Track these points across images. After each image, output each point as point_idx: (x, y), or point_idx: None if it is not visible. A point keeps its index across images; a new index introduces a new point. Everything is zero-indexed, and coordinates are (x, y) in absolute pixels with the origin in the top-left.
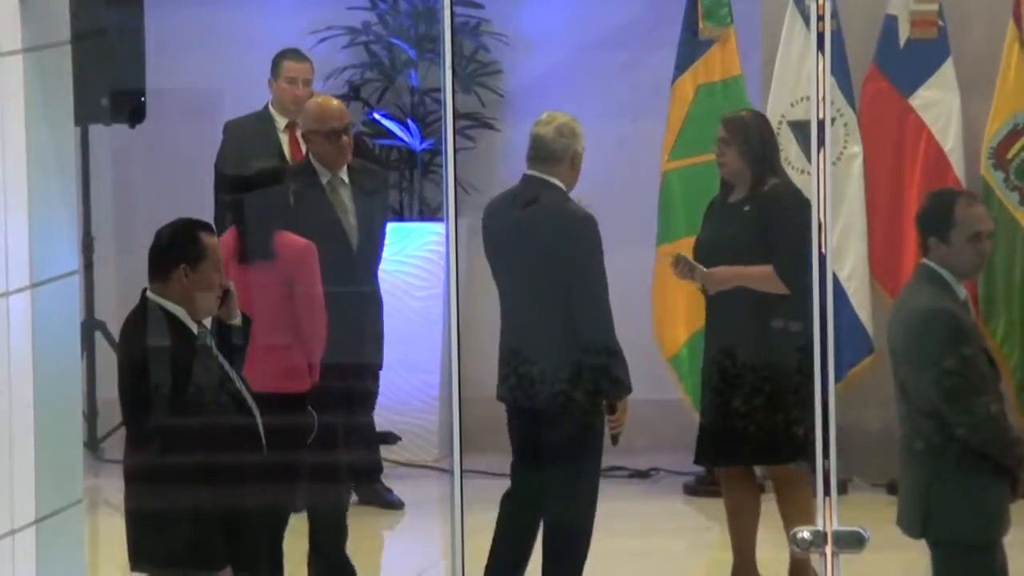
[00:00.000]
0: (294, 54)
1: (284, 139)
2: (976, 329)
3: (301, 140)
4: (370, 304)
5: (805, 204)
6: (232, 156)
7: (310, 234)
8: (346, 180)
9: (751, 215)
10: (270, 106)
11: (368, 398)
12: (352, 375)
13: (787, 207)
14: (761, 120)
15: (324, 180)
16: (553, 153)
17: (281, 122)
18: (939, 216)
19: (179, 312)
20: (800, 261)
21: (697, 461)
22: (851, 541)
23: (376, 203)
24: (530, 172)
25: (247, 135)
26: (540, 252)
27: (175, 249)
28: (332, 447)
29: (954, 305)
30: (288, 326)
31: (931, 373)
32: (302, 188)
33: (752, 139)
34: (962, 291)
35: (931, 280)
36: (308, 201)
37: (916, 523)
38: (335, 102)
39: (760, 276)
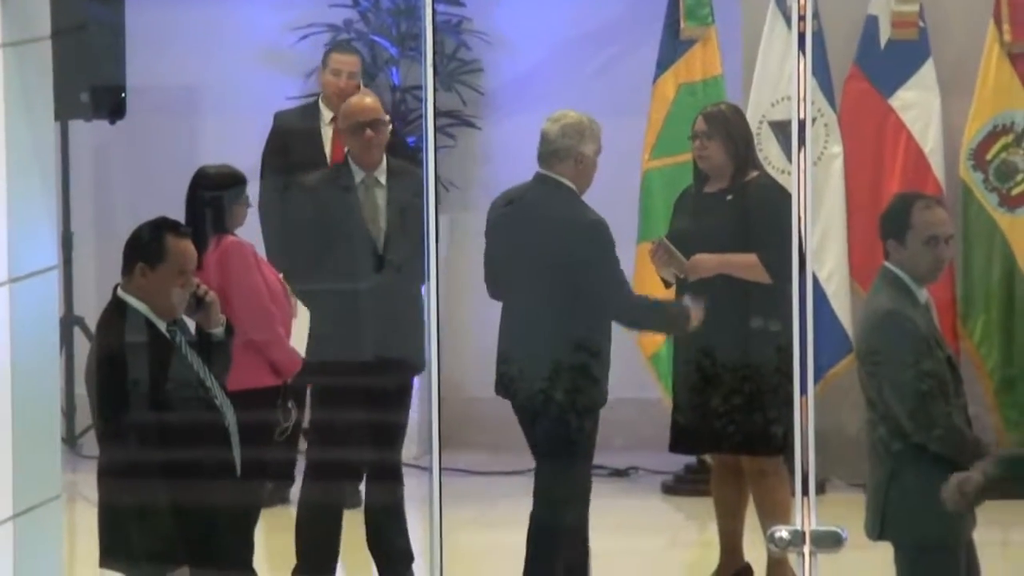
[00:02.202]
0: (342, 46)
1: (327, 133)
2: (936, 333)
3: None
4: (408, 304)
5: (789, 196)
6: (274, 147)
7: (331, 233)
8: (382, 181)
9: (735, 204)
10: (320, 100)
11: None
12: (378, 371)
13: (773, 198)
14: (739, 114)
15: (358, 179)
16: (555, 152)
17: (327, 115)
18: (896, 219)
19: (142, 308)
20: (785, 253)
21: (672, 450)
22: (829, 540)
23: (416, 206)
24: (540, 170)
25: (291, 127)
26: (543, 255)
27: (138, 247)
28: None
29: (911, 309)
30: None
31: (887, 377)
32: (335, 186)
33: (734, 132)
34: (923, 294)
35: (890, 283)
36: (334, 200)
37: (874, 524)
38: (369, 98)
39: (745, 264)
